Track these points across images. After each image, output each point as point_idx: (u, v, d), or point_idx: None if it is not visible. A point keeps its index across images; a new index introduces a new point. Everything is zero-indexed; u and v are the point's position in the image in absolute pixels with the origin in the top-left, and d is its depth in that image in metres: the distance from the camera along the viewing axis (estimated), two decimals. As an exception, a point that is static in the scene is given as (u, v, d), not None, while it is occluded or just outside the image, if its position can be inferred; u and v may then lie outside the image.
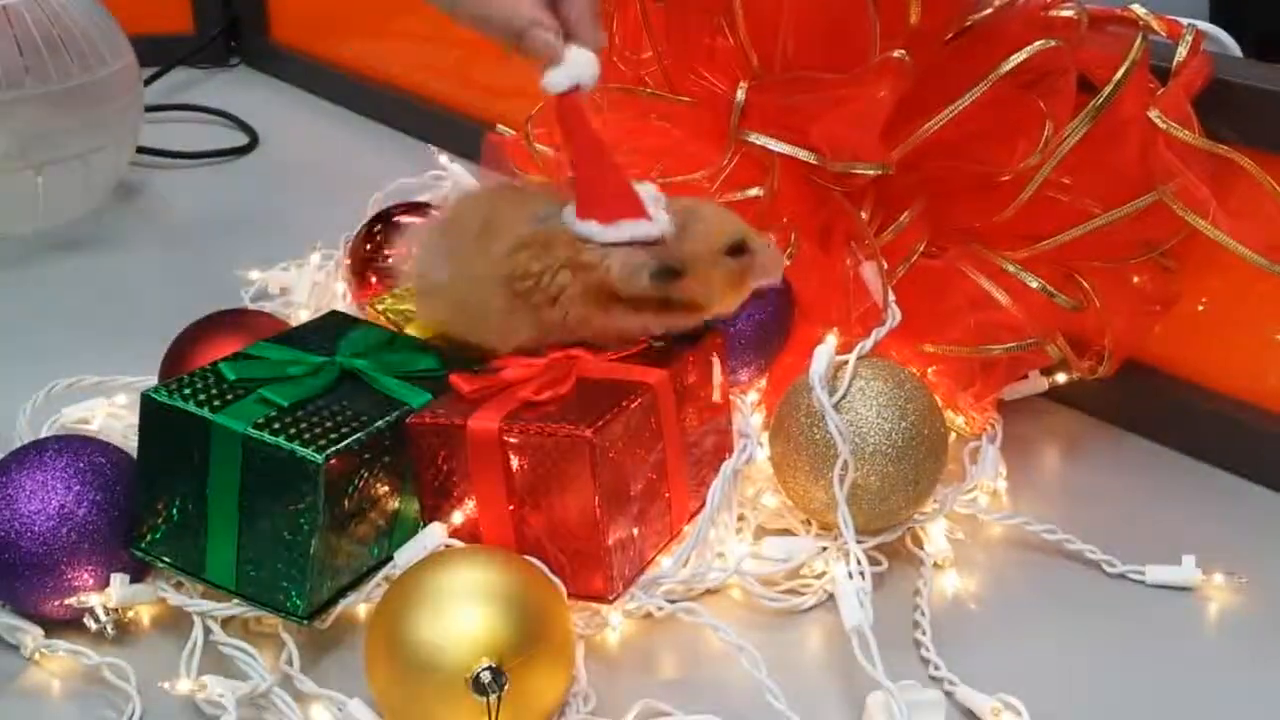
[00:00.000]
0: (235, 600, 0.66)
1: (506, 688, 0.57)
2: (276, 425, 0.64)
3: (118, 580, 0.66)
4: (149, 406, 0.67)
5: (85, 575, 0.66)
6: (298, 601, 0.64)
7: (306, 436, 0.63)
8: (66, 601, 0.66)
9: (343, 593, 0.66)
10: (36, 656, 0.66)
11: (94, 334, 0.96)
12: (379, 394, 0.69)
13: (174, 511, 0.66)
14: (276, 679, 0.63)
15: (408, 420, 0.67)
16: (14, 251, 1.10)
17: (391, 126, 1.37)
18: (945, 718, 0.61)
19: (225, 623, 0.66)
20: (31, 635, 0.66)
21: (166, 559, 0.67)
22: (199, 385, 0.67)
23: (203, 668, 0.64)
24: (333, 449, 0.63)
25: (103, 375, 0.84)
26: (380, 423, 0.66)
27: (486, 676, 0.57)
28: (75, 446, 0.68)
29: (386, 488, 0.67)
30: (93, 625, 0.66)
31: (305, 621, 0.64)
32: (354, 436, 0.64)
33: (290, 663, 0.64)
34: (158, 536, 0.67)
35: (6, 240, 1.11)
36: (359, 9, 1.42)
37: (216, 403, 0.65)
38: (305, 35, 1.52)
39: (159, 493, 0.67)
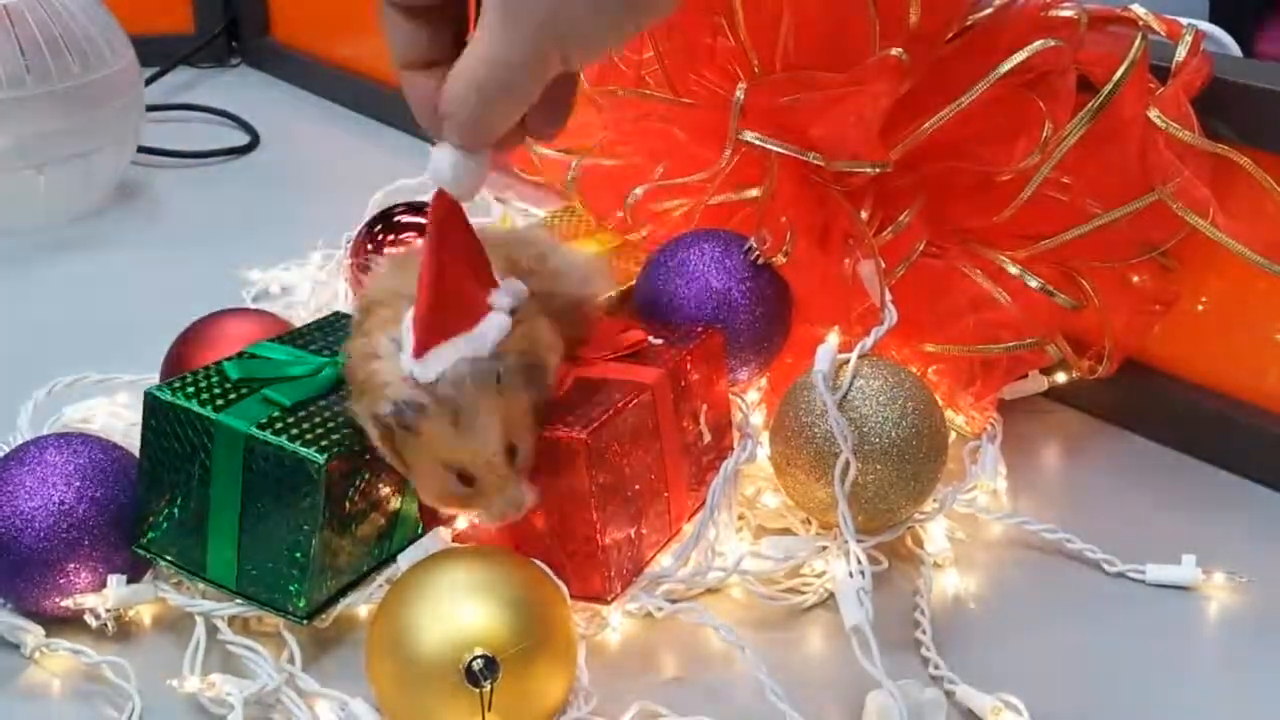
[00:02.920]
0: (236, 600, 0.66)
1: (499, 677, 0.57)
2: (279, 425, 0.64)
3: (114, 581, 0.66)
4: (152, 404, 0.67)
5: (86, 572, 0.66)
6: (299, 601, 0.64)
7: (309, 437, 0.63)
8: (63, 603, 0.66)
9: (343, 592, 0.67)
10: (37, 655, 0.66)
11: (94, 334, 0.96)
12: None
13: (175, 510, 0.66)
14: (283, 678, 0.63)
15: None
16: (14, 251, 1.10)
17: (392, 126, 1.37)
18: (945, 717, 0.61)
19: (228, 622, 0.66)
20: (32, 634, 0.66)
21: (168, 557, 0.67)
22: (202, 384, 0.67)
23: (205, 667, 0.64)
24: (334, 450, 0.63)
25: (104, 374, 0.84)
26: None
27: (478, 664, 0.57)
28: (75, 443, 0.68)
29: (388, 488, 0.67)
30: (93, 621, 0.66)
31: (305, 621, 0.64)
32: (355, 438, 0.64)
33: (292, 661, 0.64)
34: (159, 535, 0.67)
35: (6, 240, 1.11)
36: (360, 9, 1.42)
37: (220, 402, 0.65)
38: (306, 35, 1.52)
39: (161, 491, 0.67)
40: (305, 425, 0.64)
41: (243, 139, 1.34)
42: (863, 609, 0.63)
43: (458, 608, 0.59)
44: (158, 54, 1.42)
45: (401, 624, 0.59)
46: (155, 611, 0.69)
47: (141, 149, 1.23)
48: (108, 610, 0.66)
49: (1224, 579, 0.71)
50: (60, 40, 1.09)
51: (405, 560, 0.65)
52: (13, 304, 1.02)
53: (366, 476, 0.65)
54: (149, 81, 1.35)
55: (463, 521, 0.67)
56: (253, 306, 0.95)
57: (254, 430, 0.64)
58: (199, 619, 0.66)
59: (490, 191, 1.05)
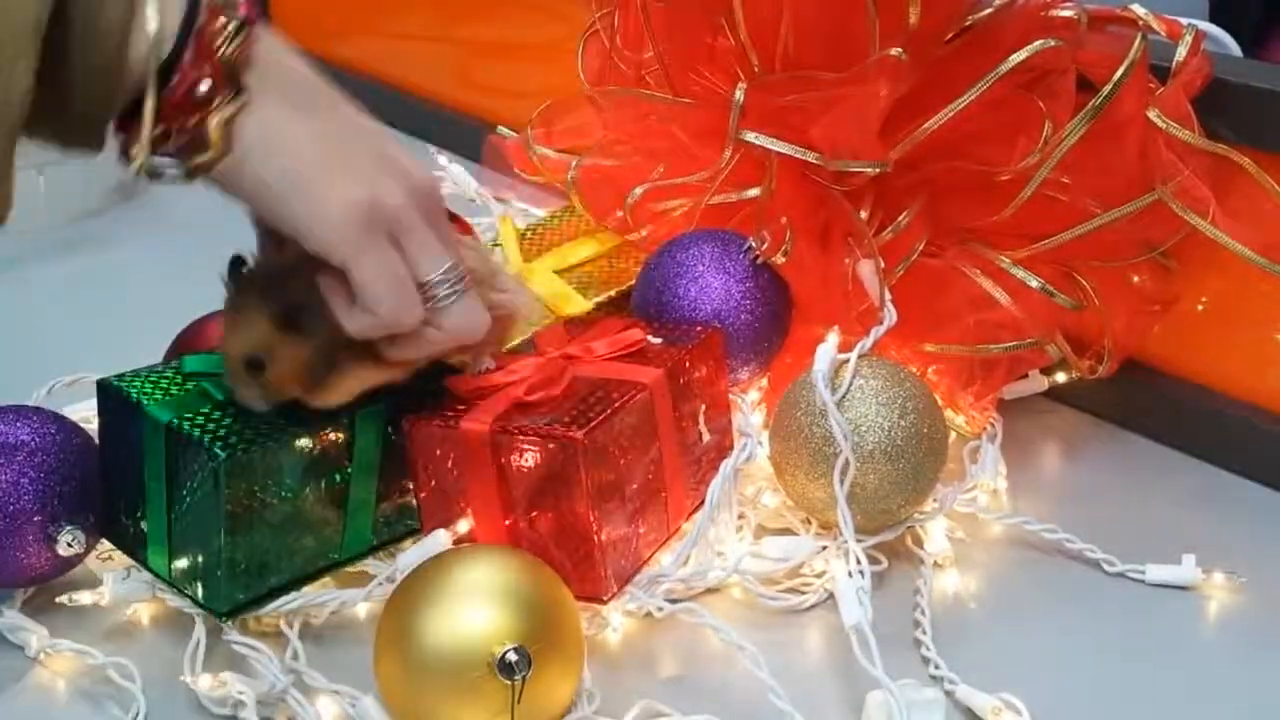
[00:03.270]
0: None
1: (532, 669, 0.57)
2: (200, 418, 0.63)
3: (110, 579, 0.66)
4: (103, 392, 0.67)
5: (39, 535, 0.66)
6: (215, 597, 0.64)
7: (222, 432, 0.63)
8: (59, 600, 0.66)
9: (283, 590, 0.66)
10: (41, 656, 0.66)
11: (94, 334, 0.96)
12: None
13: (121, 498, 0.67)
14: (292, 679, 0.63)
15: (405, 420, 0.67)
16: (14, 251, 1.10)
17: (392, 126, 1.36)
18: (945, 717, 0.61)
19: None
20: (36, 635, 0.66)
21: (117, 544, 0.68)
22: (154, 376, 0.67)
23: (206, 666, 0.64)
24: (243, 447, 0.62)
25: (104, 374, 0.83)
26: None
27: (513, 656, 0.57)
28: (28, 414, 0.69)
29: (322, 493, 0.66)
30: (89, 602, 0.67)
31: (223, 618, 0.64)
32: (274, 437, 0.64)
33: (296, 658, 0.64)
34: (111, 519, 0.68)
35: (6, 240, 1.11)
36: (360, 9, 1.42)
37: (159, 394, 0.65)
38: (306, 35, 1.50)
39: (111, 478, 0.67)
40: (228, 421, 0.64)
41: (243, 139, 1.34)
42: (862, 609, 0.63)
43: (474, 607, 0.59)
44: (158, 54, 1.42)
45: (417, 624, 0.59)
46: (153, 610, 0.69)
47: (142, 149, 1.23)
48: (103, 606, 0.66)
49: (1223, 579, 0.71)
50: (61, 40, 1.09)
51: (404, 560, 0.65)
52: (13, 304, 1.02)
53: (286, 480, 0.65)
54: (149, 81, 1.35)
55: (463, 525, 0.67)
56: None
57: (172, 420, 0.63)
58: (198, 618, 0.66)
59: (490, 191, 1.05)
